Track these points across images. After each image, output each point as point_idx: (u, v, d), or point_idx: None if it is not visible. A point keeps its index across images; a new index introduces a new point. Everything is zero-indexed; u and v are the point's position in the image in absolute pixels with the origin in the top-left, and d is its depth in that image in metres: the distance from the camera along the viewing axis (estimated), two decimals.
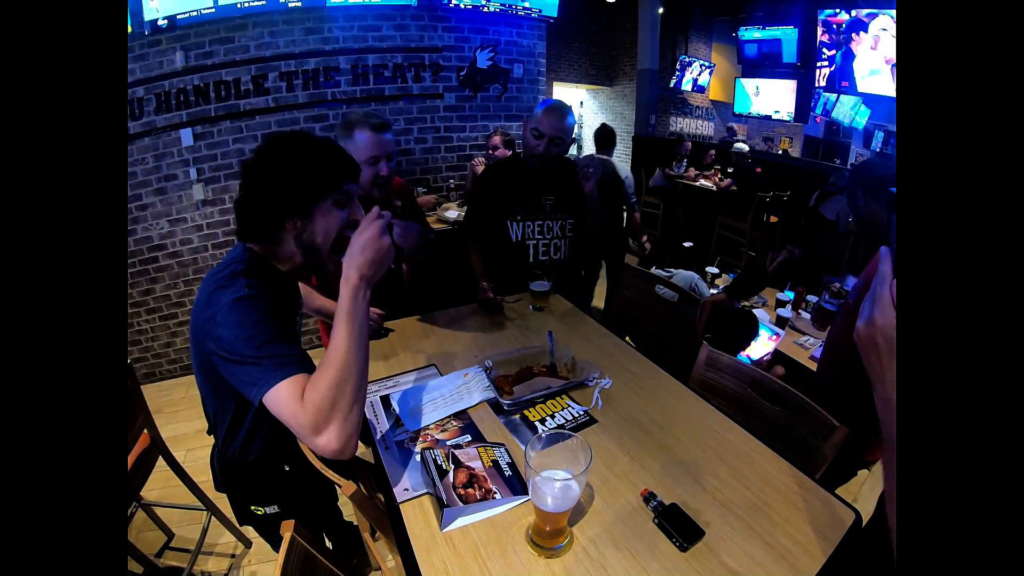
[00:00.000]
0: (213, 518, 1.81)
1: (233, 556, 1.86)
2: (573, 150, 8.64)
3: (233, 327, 0.85)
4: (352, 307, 0.85)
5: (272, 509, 1.17)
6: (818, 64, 6.64)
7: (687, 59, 8.50)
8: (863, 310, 0.50)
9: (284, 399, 0.81)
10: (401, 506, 0.89)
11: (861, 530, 0.84)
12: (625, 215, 3.57)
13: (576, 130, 9.59)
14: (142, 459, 1.56)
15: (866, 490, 2.10)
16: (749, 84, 8.14)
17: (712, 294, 2.33)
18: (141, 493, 1.71)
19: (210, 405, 1.06)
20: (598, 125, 3.75)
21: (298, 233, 0.96)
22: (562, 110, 1.68)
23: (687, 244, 3.84)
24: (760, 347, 2.08)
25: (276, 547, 1.31)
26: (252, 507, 1.18)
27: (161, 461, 1.64)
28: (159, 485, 1.93)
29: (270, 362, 0.84)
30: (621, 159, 7.78)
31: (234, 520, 1.25)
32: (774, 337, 2.09)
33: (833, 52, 6.37)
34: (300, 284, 1.56)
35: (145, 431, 1.60)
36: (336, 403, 0.81)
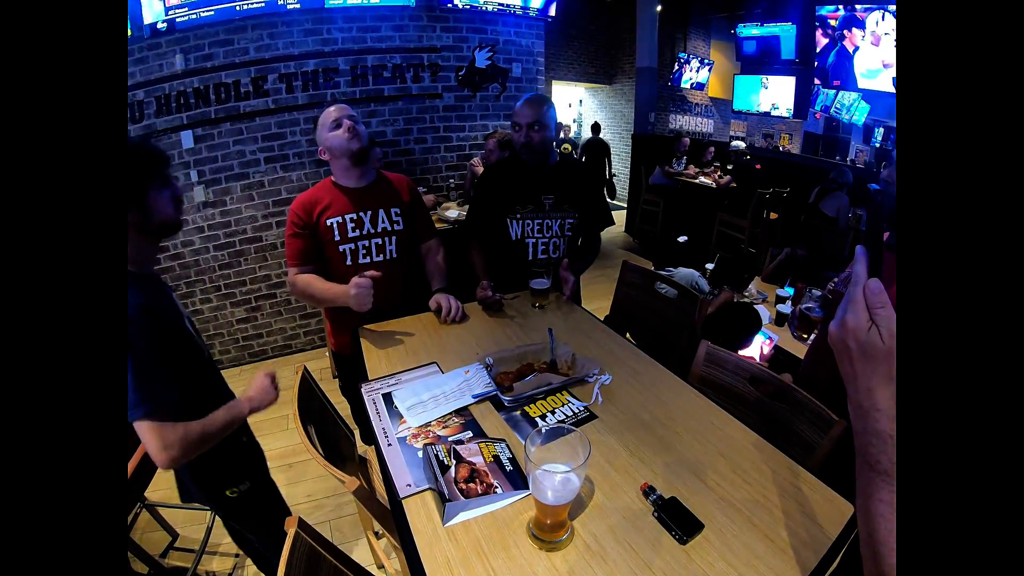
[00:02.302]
0: (217, 518, 1.81)
1: (237, 556, 1.87)
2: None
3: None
4: (238, 415, 1.14)
5: (245, 486, 1.24)
6: (816, 61, 6.62)
7: (686, 56, 8.49)
8: (838, 312, 0.49)
9: (147, 437, 0.99)
10: (404, 502, 0.89)
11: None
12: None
13: (575, 128, 9.64)
14: (146, 460, 1.56)
15: None
16: (754, 77, 8.11)
17: (716, 293, 2.34)
18: (145, 494, 1.72)
19: None
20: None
21: (140, 226, 1.05)
22: (535, 99, 1.70)
23: (681, 239, 3.83)
24: (755, 348, 2.08)
25: (254, 529, 1.40)
26: (227, 491, 1.23)
27: None
28: (163, 486, 1.93)
29: (142, 395, 0.97)
30: (621, 156, 8.24)
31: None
32: (767, 342, 2.10)
33: (821, 48, 6.35)
34: (300, 278, 1.60)
35: None
36: (193, 454, 1.04)
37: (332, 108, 1.61)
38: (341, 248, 1.60)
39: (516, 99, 3.60)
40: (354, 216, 1.60)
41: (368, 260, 1.64)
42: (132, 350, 0.95)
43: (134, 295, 1.00)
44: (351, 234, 1.60)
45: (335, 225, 1.59)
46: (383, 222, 1.65)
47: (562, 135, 7.40)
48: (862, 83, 6.15)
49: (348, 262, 1.62)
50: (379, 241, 1.64)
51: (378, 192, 1.67)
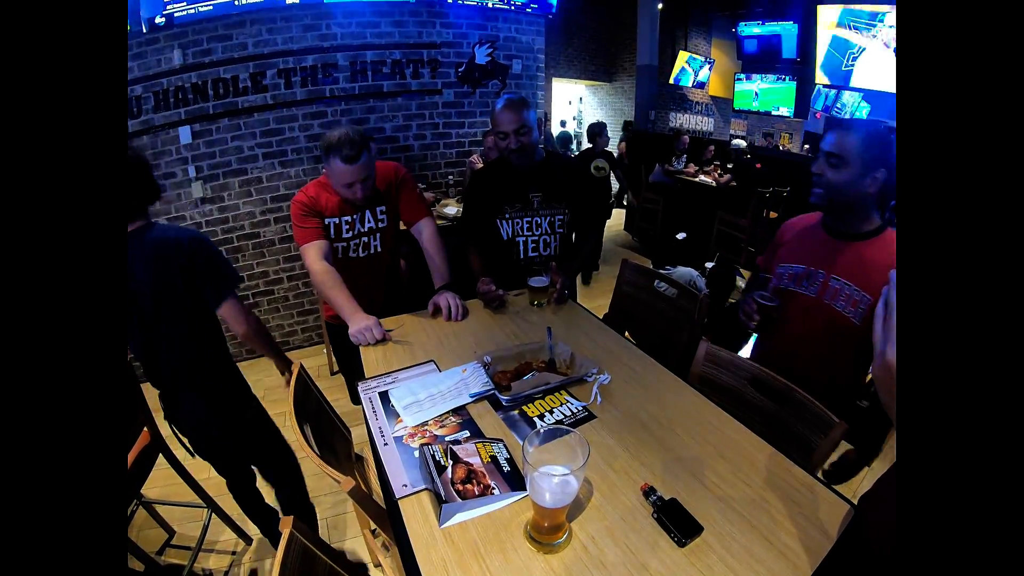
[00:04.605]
0: (214, 515, 1.81)
1: (234, 553, 1.86)
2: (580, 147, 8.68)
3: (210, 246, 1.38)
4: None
5: (255, 403, 1.48)
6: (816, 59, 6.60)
7: (686, 54, 8.48)
8: (878, 344, 0.44)
9: (234, 310, 1.40)
10: (400, 502, 0.89)
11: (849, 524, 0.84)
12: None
13: (576, 127, 9.63)
14: (142, 457, 1.56)
15: (866, 487, 2.11)
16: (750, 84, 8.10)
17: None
18: (142, 491, 1.71)
19: (186, 356, 1.39)
20: (596, 121, 3.85)
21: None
22: (514, 103, 1.67)
23: (679, 236, 3.80)
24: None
25: (269, 447, 1.65)
26: (247, 413, 1.48)
27: (161, 459, 1.64)
28: (160, 483, 1.93)
29: (228, 279, 1.41)
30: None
31: (234, 517, 1.26)
32: None
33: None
34: (319, 267, 1.62)
35: (145, 429, 1.60)
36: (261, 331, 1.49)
37: (345, 167, 1.50)
38: (335, 245, 1.71)
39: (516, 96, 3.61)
40: (348, 219, 1.71)
41: (356, 255, 1.76)
42: (212, 251, 1.37)
43: (183, 230, 1.36)
44: (345, 234, 1.72)
45: (332, 225, 1.69)
46: (370, 222, 1.75)
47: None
48: (862, 82, 6.13)
49: (339, 255, 1.73)
50: (366, 239, 1.76)
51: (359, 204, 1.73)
